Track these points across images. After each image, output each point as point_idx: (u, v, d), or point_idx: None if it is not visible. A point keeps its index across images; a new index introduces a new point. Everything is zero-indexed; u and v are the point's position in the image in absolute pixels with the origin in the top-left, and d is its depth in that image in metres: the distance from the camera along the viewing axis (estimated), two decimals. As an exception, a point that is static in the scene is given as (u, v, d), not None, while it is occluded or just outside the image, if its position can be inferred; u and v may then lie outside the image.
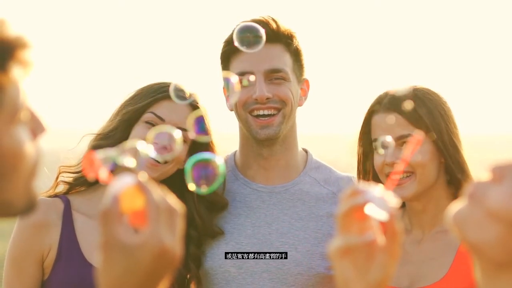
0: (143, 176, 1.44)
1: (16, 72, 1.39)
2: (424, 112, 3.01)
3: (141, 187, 1.42)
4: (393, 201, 1.55)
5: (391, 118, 3.03)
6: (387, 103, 3.05)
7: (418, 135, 1.65)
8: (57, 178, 3.17)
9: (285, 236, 3.21)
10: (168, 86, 3.11)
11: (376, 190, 1.55)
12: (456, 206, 1.49)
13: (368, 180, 3.19)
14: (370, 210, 1.53)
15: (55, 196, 3.15)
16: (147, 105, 3.08)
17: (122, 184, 1.43)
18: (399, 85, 3.15)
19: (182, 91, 3.12)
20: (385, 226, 1.54)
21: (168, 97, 3.07)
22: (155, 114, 3.07)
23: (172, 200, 1.43)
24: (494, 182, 1.46)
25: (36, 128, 1.44)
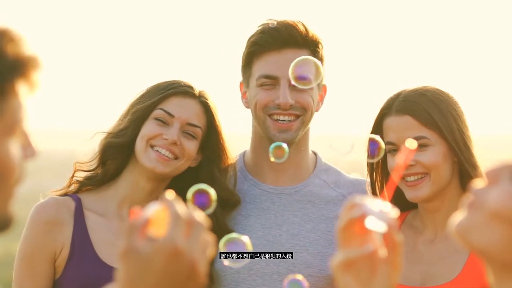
0: (170, 194, 1.45)
1: (22, 89, 1.40)
2: (436, 114, 3.02)
3: (165, 203, 1.43)
4: (391, 212, 1.55)
5: (403, 121, 3.04)
6: (399, 105, 3.07)
7: (410, 143, 1.65)
8: (72, 176, 3.18)
9: (295, 238, 3.19)
10: (177, 83, 3.13)
11: (373, 202, 1.55)
12: (457, 217, 1.50)
13: (378, 181, 3.21)
14: (369, 223, 1.53)
15: (66, 195, 3.15)
16: (156, 102, 3.09)
17: (152, 208, 1.45)
18: (409, 86, 3.16)
19: (191, 88, 3.14)
20: (386, 238, 1.54)
21: (177, 93, 3.10)
22: (164, 110, 3.08)
23: (199, 215, 1.43)
24: (490, 186, 1.47)
25: (27, 150, 1.45)
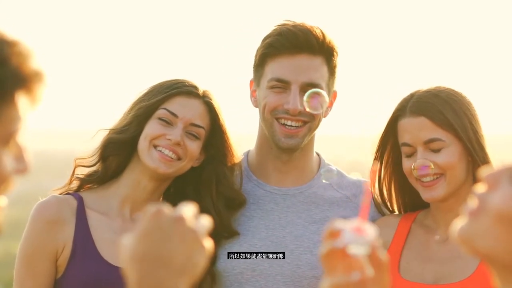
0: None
1: (22, 101, 1.41)
2: (451, 114, 3.04)
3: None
4: (372, 232, 1.55)
5: (418, 122, 3.06)
6: (413, 107, 3.08)
7: (374, 167, 1.66)
8: (73, 173, 3.16)
9: (299, 239, 3.18)
10: (181, 82, 3.12)
11: (353, 225, 1.55)
12: (459, 223, 1.51)
13: (386, 182, 3.23)
14: (351, 250, 1.54)
15: (67, 193, 3.13)
16: (160, 101, 3.07)
17: None
18: (422, 87, 3.16)
19: (196, 88, 3.14)
20: (371, 259, 1.55)
21: (181, 93, 3.09)
22: (168, 110, 3.07)
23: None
24: (491, 190, 1.47)
25: (19, 164, 1.44)
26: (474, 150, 3.04)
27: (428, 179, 3.06)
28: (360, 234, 1.54)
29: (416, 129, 3.06)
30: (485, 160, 3.05)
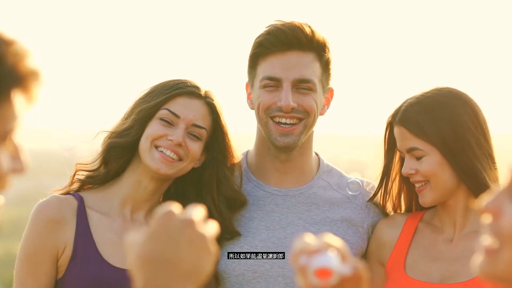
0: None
1: (19, 100, 1.40)
2: (427, 123, 3.07)
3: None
4: (336, 271, 1.55)
5: (400, 132, 3.13)
6: (398, 116, 3.13)
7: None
8: (73, 175, 3.15)
9: None
10: (183, 83, 3.10)
11: (316, 265, 1.56)
12: (478, 261, 1.49)
13: (396, 186, 3.26)
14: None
15: (68, 193, 3.12)
16: (161, 102, 3.06)
17: None
18: (415, 91, 3.17)
19: (198, 88, 3.13)
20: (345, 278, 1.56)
21: (183, 93, 3.07)
22: (170, 111, 3.05)
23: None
24: (497, 218, 1.46)
25: (15, 163, 1.44)
26: (454, 158, 3.05)
27: (418, 185, 3.12)
28: (322, 278, 1.55)
29: (399, 138, 3.13)
30: (465, 167, 3.05)
